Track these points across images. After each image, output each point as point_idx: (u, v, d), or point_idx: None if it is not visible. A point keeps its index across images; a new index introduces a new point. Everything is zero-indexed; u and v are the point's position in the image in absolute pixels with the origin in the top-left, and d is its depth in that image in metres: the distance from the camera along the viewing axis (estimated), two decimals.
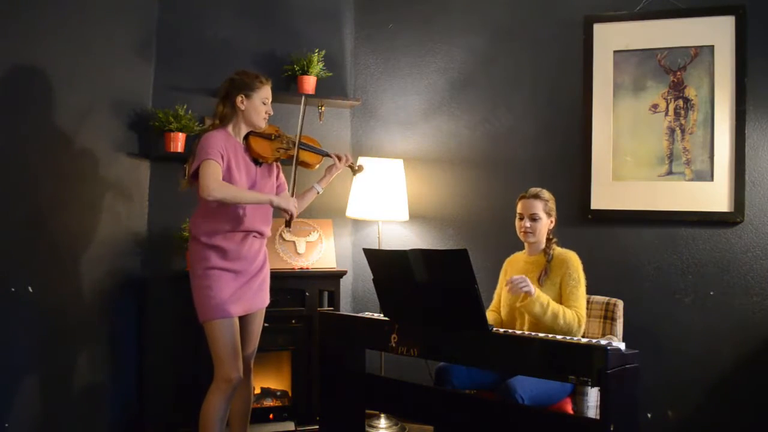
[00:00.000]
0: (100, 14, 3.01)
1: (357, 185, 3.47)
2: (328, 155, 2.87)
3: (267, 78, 2.69)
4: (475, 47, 3.62)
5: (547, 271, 2.64)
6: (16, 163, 2.67)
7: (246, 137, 2.70)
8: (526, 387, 2.32)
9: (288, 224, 2.73)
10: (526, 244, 2.75)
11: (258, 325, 2.75)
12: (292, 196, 2.74)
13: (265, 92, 2.66)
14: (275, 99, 3.38)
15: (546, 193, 2.72)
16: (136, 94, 3.27)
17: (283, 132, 2.80)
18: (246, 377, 2.70)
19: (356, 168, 3.02)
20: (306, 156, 2.82)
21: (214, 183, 2.46)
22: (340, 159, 2.87)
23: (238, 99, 2.62)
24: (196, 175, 2.53)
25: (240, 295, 2.61)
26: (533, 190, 2.72)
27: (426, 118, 3.71)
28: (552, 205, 2.72)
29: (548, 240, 2.70)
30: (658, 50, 3.26)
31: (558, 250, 2.69)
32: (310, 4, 3.67)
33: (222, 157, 2.53)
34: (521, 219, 2.71)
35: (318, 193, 2.88)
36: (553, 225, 2.72)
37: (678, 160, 3.24)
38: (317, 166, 2.88)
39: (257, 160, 2.69)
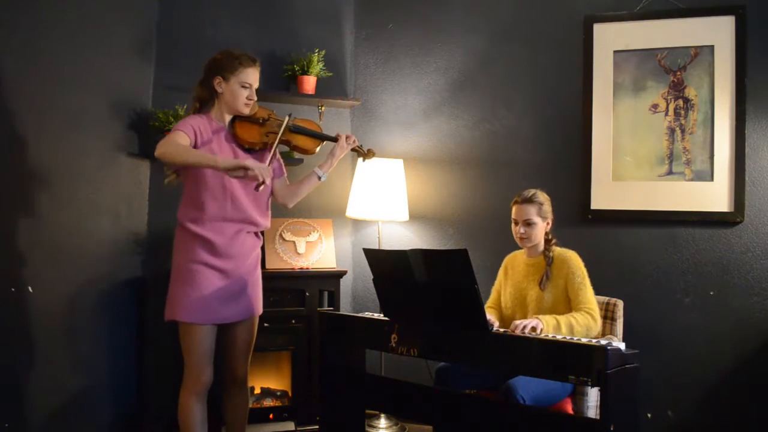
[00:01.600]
0: (100, 14, 3.01)
1: (357, 185, 3.47)
2: (328, 139, 2.64)
3: (252, 60, 2.46)
4: (475, 47, 3.62)
5: (548, 275, 2.62)
6: (17, 163, 2.67)
7: (233, 122, 2.52)
8: (528, 387, 2.31)
9: (256, 188, 2.35)
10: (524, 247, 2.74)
11: (250, 333, 2.57)
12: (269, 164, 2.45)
13: (246, 75, 2.43)
14: (275, 99, 3.42)
15: (540, 196, 2.66)
16: (136, 94, 3.27)
17: (276, 115, 2.60)
18: (241, 387, 2.60)
19: (365, 152, 2.71)
20: (299, 140, 2.58)
21: (161, 142, 2.29)
22: (339, 141, 2.60)
23: (215, 81, 2.44)
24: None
25: (225, 300, 2.43)
26: (526, 193, 2.65)
27: (426, 118, 3.71)
28: (547, 207, 2.66)
29: (547, 241, 2.67)
30: (658, 50, 3.26)
31: (558, 250, 2.66)
32: (310, 4, 3.67)
33: (195, 131, 2.37)
34: (516, 224, 2.67)
35: (319, 178, 2.62)
36: (549, 226, 2.68)
37: (678, 160, 3.24)
38: (317, 149, 2.65)
39: (244, 147, 2.51)
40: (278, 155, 2.63)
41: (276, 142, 2.51)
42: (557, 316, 2.44)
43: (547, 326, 2.39)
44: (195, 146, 2.39)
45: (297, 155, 3.40)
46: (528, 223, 2.63)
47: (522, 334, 2.26)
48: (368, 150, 2.73)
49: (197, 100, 2.51)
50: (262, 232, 2.63)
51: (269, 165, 2.43)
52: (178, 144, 2.32)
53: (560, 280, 2.59)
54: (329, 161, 2.62)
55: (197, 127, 2.40)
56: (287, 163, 3.35)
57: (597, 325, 2.50)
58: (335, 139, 2.63)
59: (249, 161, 2.31)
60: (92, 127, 3.00)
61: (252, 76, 2.46)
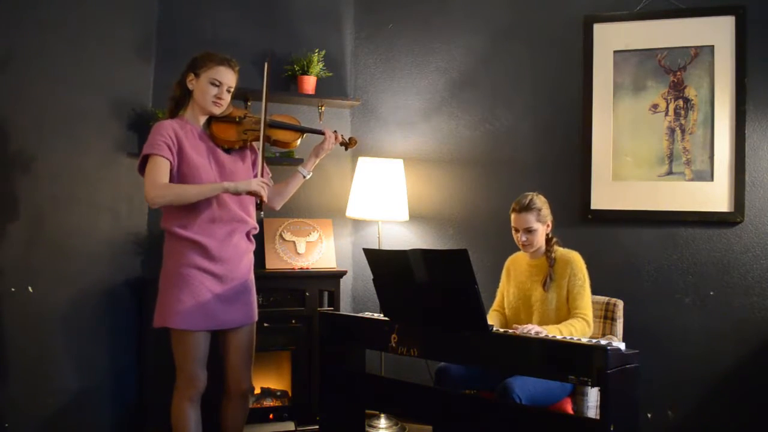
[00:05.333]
0: (100, 14, 3.02)
1: (357, 185, 3.47)
2: (309, 131, 2.63)
3: (226, 60, 2.41)
4: (475, 47, 3.62)
5: (552, 277, 2.62)
6: (17, 163, 2.68)
7: (209, 123, 2.47)
8: (524, 386, 2.31)
9: (259, 207, 2.43)
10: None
11: (250, 340, 2.52)
12: (261, 176, 2.45)
13: (216, 72, 2.37)
14: (275, 99, 3.40)
15: (537, 201, 2.64)
16: (136, 94, 3.27)
17: (251, 113, 2.56)
18: (245, 398, 2.54)
19: (347, 142, 2.70)
20: (280, 134, 2.56)
21: (153, 188, 2.25)
22: (327, 136, 2.58)
23: (188, 78, 2.39)
24: (142, 170, 2.35)
25: (222, 305, 2.39)
26: (524, 200, 2.63)
27: (426, 118, 3.71)
28: (546, 211, 2.65)
29: (548, 242, 2.67)
30: (658, 50, 3.26)
31: (560, 251, 2.66)
32: (310, 4, 3.67)
33: (170, 148, 2.31)
34: (517, 232, 2.66)
35: (304, 177, 2.62)
36: (549, 228, 2.68)
37: (678, 160, 3.24)
38: (297, 144, 2.64)
39: (222, 147, 2.46)
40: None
41: (261, 140, 2.48)
42: (559, 327, 2.46)
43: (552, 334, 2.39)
44: (173, 162, 2.34)
45: (296, 154, 3.41)
46: (529, 231, 2.62)
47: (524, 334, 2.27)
48: (350, 138, 2.73)
49: (172, 99, 2.46)
50: (255, 236, 2.57)
51: (262, 166, 2.46)
52: (173, 186, 2.31)
53: (563, 280, 2.59)
54: (312, 159, 2.62)
55: (170, 138, 2.33)
56: (286, 163, 3.36)
57: (590, 330, 2.54)
58: (316, 131, 2.62)
59: (254, 184, 2.37)
60: (92, 127, 3.00)
61: (224, 75, 2.40)
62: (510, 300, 2.76)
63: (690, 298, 3.21)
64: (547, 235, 2.68)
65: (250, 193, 2.40)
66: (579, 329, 2.47)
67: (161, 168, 2.30)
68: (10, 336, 2.65)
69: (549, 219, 2.67)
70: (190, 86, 2.41)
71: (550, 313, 2.59)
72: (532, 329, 2.36)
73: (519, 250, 2.80)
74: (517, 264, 2.79)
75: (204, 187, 2.34)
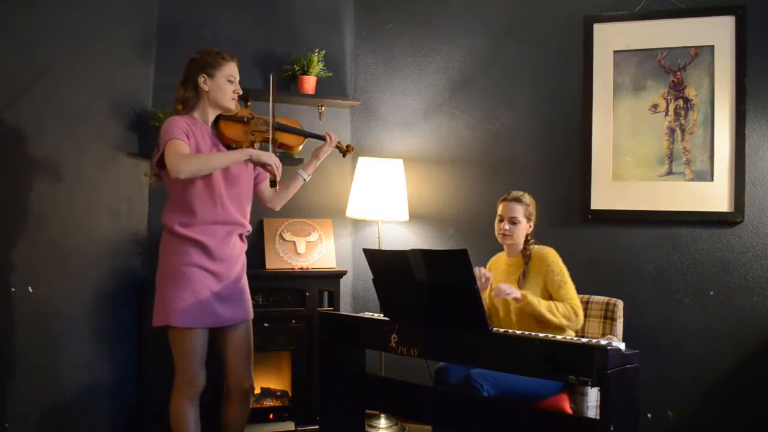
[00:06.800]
0: (100, 14, 3.02)
1: (357, 185, 3.47)
2: (312, 136, 2.67)
3: (231, 56, 2.47)
4: (475, 47, 3.62)
5: (525, 273, 2.66)
6: (17, 163, 2.68)
7: (216, 122, 2.50)
8: (486, 376, 2.35)
9: (273, 183, 2.44)
10: (505, 246, 2.78)
11: (248, 337, 2.54)
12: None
13: (230, 69, 2.43)
14: (275, 99, 3.40)
15: (528, 198, 2.74)
16: (136, 94, 3.27)
17: (257, 114, 2.59)
18: (247, 397, 2.55)
19: (345, 148, 2.74)
20: (285, 137, 2.60)
21: (179, 160, 2.23)
22: (327, 139, 2.63)
23: (200, 79, 2.41)
24: (162, 164, 2.33)
25: (221, 302, 2.41)
26: (515, 193, 2.74)
27: (426, 118, 3.71)
28: (532, 209, 2.74)
29: (526, 241, 2.73)
30: (658, 50, 3.26)
31: (535, 248, 2.72)
32: (310, 4, 3.67)
33: (187, 137, 2.32)
34: (501, 221, 2.73)
35: (304, 180, 2.66)
36: (531, 229, 2.74)
37: (678, 160, 3.24)
38: (299, 148, 2.70)
39: (230, 146, 2.49)
40: None
41: (271, 140, 2.51)
42: (541, 301, 2.53)
43: (526, 296, 2.50)
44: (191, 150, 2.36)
45: (296, 155, 3.41)
46: (513, 221, 2.69)
47: (499, 292, 2.46)
48: (347, 146, 2.75)
49: (180, 102, 2.45)
50: (254, 236, 2.59)
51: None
52: (199, 156, 2.31)
53: (538, 277, 2.63)
54: (313, 162, 2.66)
55: (185, 128, 2.35)
56: (288, 163, 3.36)
57: (578, 319, 2.56)
58: (319, 136, 2.66)
59: (274, 158, 2.42)
60: (92, 127, 3.00)
61: (236, 70, 2.47)
62: (490, 300, 2.78)
63: (690, 298, 3.21)
64: (527, 235, 2.73)
65: (265, 165, 2.43)
66: (561, 310, 2.52)
67: (182, 146, 2.29)
68: (10, 336, 2.65)
69: (533, 219, 2.74)
70: (204, 87, 2.43)
71: (526, 311, 2.59)
72: (512, 294, 2.47)
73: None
74: (498, 264, 2.85)
75: (228, 154, 2.38)
